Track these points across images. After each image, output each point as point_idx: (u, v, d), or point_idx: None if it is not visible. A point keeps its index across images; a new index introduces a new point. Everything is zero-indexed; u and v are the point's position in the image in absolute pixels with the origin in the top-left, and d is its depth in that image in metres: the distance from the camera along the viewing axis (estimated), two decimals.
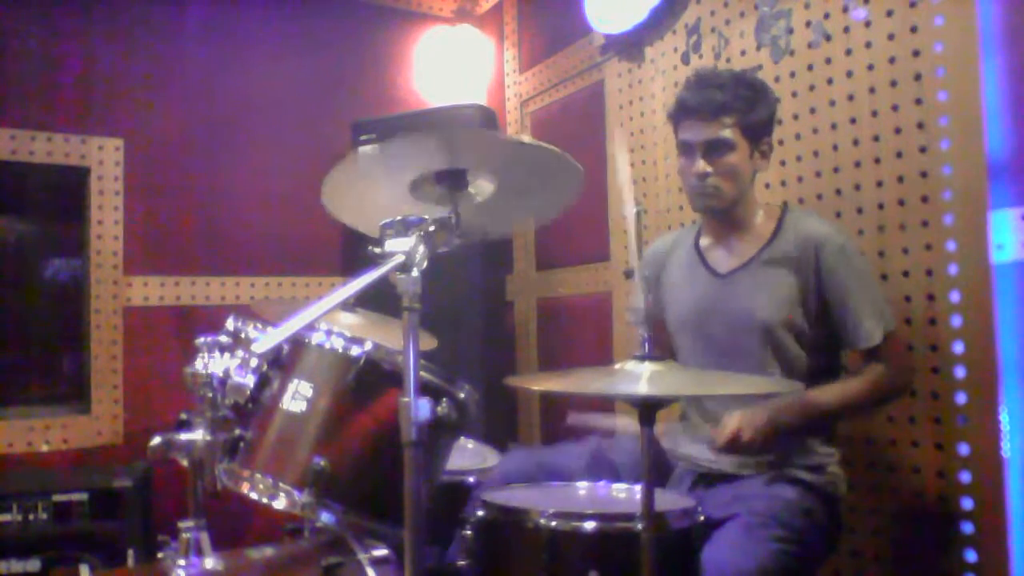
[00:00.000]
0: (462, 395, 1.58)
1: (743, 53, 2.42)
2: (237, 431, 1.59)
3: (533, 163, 1.43)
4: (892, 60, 1.97)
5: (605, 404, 3.01)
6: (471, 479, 1.95)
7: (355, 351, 1.51)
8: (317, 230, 3.41)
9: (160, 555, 1.57)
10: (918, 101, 1.92)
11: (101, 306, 3.09)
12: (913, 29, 1.92)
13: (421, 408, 1.23)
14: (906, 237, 1.94)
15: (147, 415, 3.10)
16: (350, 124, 3.32)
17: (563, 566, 1.42)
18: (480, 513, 1.51)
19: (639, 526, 1.29)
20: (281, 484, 1.48)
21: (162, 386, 3.11)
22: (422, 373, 1.30)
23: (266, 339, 1.22)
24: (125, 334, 3.12)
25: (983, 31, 1.78)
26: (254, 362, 1.57)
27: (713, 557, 1.45)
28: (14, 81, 2.99)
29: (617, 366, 1.34)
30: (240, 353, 1.60)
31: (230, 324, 1.75)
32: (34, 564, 2.49)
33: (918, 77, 1.91)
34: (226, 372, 1.58)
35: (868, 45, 2.03)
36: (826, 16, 2.15)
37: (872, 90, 2.02)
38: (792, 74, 2.25)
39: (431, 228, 1.31)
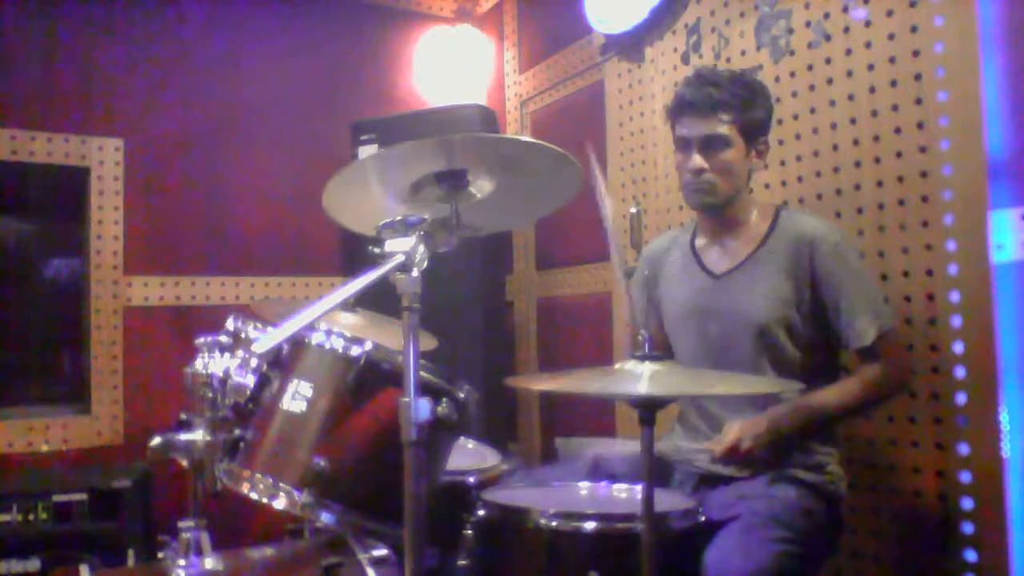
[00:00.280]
0: (462, 395, 1.59)
1: (743, 53, 2.42)
2: (237, 431, 1.59)
3: (533, 163, 1.43)
4: (892, 60, 1.97)
5: (604, 406, 3.01)
6: (471, 479, 1.95)
7: (355, 351, 1.51)
8: (317, 230, 3.42)
9: (160, 555, 1.57)
10: (918, 101, 1.91)
11: (101, 306, 3.09)
12: (913, 29, 1.92)
13: (421, 408, 1.23)
14: (906, 237, 1.94)
15: (147, 415, 3.10)
16: (350, 124, 3.32)
17: (563, 566, 1.42)
18: (480, 513, 1.51)
19: (640, 527, 1.29)
20: (281, 484, 1.48)
21: (162, 386, 3.11)
22: (422, 373, 1.30)
23: (266, 339, 1.22)
24: (125, 334, 3.12)
25: (983, 31, 1.78)
26: (254, 362, 1.57)
27: (714, 558, 1.45)
28: (14, 81, 3.00)
29: (617, 366, 1.34)
30: (240, 353, 1.61)
31: (230, 324, 1.75)
32: (34, 564, 2.49)
33: (918, 77, 1.91)
34: (226, 372, 1.58)
35: (868, 45, 2.03)
36: (826, 16, 2.15)
37: (872, 90, 2.02)
38: (792, 74, 2.25)
39: (431, 228, 1.32)
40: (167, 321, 3.21)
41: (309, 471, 1.45)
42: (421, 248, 1.27)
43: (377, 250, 1.29)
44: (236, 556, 1.63)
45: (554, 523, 1.40)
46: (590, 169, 1.41)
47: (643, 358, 1.31)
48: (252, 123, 3.42)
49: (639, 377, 1.27)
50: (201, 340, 1.62)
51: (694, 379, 1.47)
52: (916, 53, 1.92)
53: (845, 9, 2.09)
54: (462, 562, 1.53)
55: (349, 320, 2.06)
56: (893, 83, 1.97)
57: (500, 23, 3.76)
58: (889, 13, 1.98)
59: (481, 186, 1.44)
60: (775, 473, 1.68)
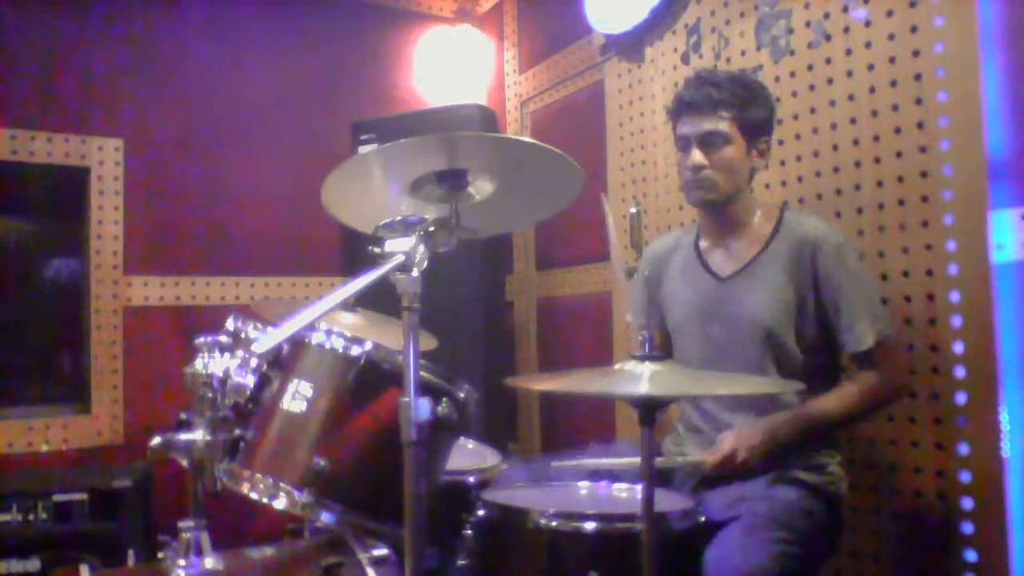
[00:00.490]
0: (462, 395, 1.59)
1: (743, 53, 2.42)
2: (237, 431, 1.59)
3: (534, 165, 1.43)
4: (892, 60, 1.97)
5: (604, 406, 3.01)
6: (471, 479, 1.95)
7: (355, 351, 1.51)
8: (317, 230, 3.42)
9: (160, 555, 1.57)
10: (918, 101, 1.91)
11: (101, 306, 3.09)
12: (913, 29, 1.92)
13: (421, 408, 1.23)
14: (906, 237, 1.94)
15: (147, 415, 3.10)
16: (350, 124, 3.32)
17: (563, 566, 1.42)
18: (480, 513, 1.51)
19: (640, 527, 1.28)
20: (281, 484, 1.48)
21: (162, 386, 3.11)
22: (422, 373, 1.30)
23: (266, 339, 1.22)
24: (125, 334, 3.12)
25: (983, 31, 1.78)
26: (254, 362, 1.57)
27: (714, 558, 1.45)
28: (14, 81, 3.00)
29: (617, 366, 1.34)
30: (240, 353, 1.61)
31: (230, 324, 1.75)
32: (34, 564, 2.49)
33: (918, 77, 1.91)
34: (226, 372, 1.58)
35: (868, 45, 2.03)
36: (826, 16, 2.15)
37: (872, 90, 2.02)
38: (792, 74, 2.25)
39: (431, 228, 1.31)
40: (167, 321, 3.21)
41: (309, 471, 1.45)
42: (421, 248, 1.27)
43: (377, 250, 1.29)
44: (236, 556, 1.63)
45: (554, 523, 1.40)
46: (604, 223, 1.43)
47: (643, 358, 1.31)
48: (252, 123, 3.42)
49: (639, 377, 1.27)
50: (201, 340, 1.62)
51: (694, 379, 1.48)
52: (916, 53, 1.92)
53: (845, 9, 2.09)
54: (462, 562, 1.53)
55: (349, 320, 2.06)
56: (893, 83, 1.97)
57: (500, 23, 3.76)
58: (889, 13, 1.98)
59: (481, 187, 1.44)
60: (776, 474, 1.68)
